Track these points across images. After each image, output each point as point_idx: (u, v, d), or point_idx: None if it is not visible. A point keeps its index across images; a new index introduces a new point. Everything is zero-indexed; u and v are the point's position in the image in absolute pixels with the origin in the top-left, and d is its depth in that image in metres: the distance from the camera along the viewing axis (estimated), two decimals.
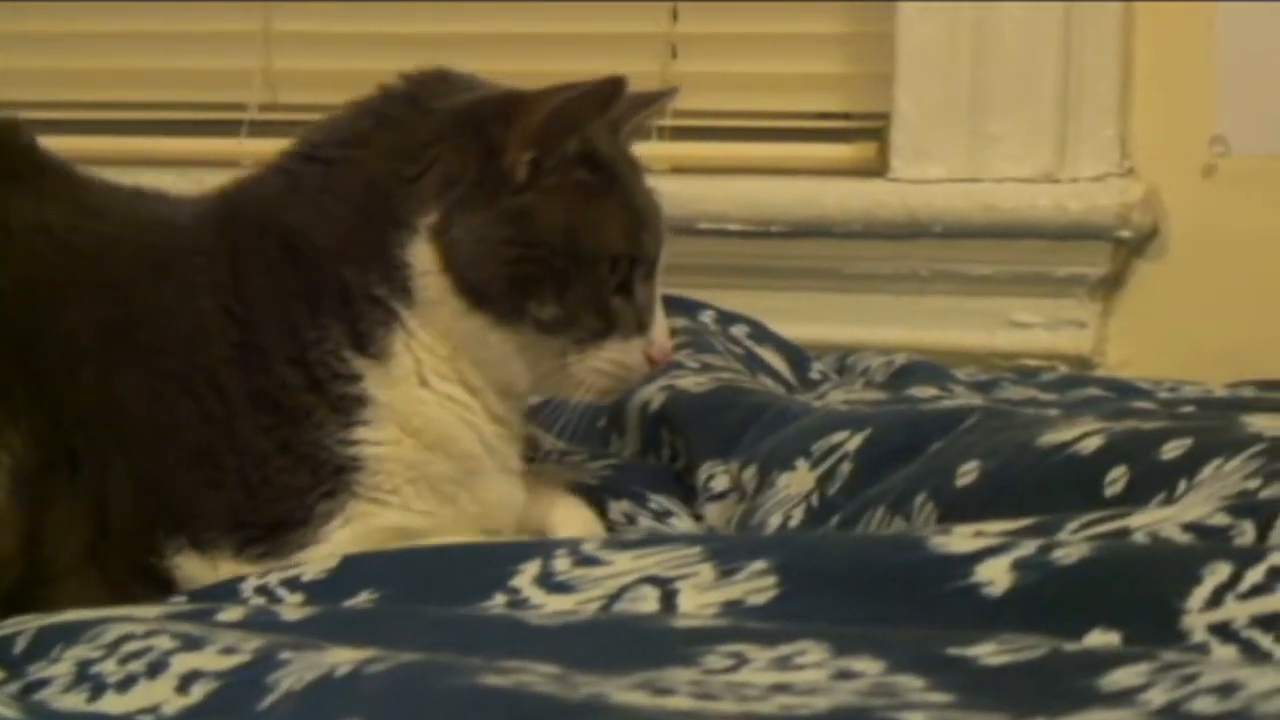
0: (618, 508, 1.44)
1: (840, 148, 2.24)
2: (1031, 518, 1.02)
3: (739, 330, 1.88)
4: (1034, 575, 0.85)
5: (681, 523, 1.44)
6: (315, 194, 1.24)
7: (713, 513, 1.44)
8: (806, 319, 2.07)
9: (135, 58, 2.50)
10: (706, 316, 1.88)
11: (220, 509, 1.18)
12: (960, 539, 0.90)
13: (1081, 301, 2.09)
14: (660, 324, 1.27)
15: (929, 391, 1.69)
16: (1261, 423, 1.16)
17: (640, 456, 1.58)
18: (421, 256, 1.21)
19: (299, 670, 0.82)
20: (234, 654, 0.86)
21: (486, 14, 2.38)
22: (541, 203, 1.21)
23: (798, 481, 1.34)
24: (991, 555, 0.87)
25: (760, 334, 1.89)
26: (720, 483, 1.45)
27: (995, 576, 0.86)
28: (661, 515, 1.45)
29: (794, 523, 1.32)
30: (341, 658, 0.81)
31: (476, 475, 1.25)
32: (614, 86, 1.20)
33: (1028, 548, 0.87)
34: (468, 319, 1.21)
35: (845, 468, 1.32)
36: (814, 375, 1.86)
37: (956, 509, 1.15)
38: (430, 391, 1.22)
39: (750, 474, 1.40)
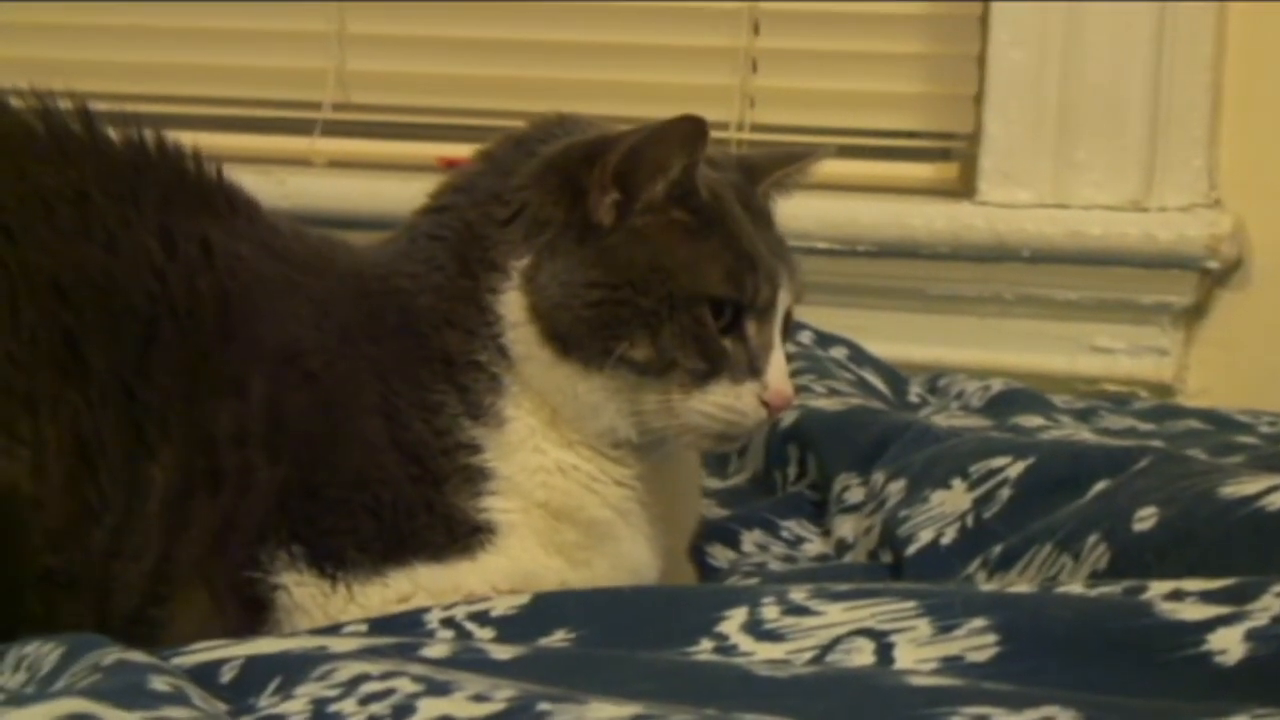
0: (750, 538, 1.47)
1: (923, 167, 2.26)
2: (1218, 572, 1.03)
3: (838, 352, 1.89)
4: (1270, 647, 0.87)
5: (815, 547, 1.46)
6: (427, 242, 1.26)
7: (844, 524, 1.46)
8: (890, 338, 2.09)
9: (212, 54, 2.51)
10: (805, 337, 1.89)
11: (363, 537, 1.20)
12: (1189, 607, 0.92)
13: (1164, 329, 2.11)
14: (777, 368, 1.23)
15: (1034, 420, 1.71)
16: None
17: (764, 475, 1.60)
18: (512, 306, 1.22)
19: None
20: (486, 701, 0.87)
21: (563, 21, 2.39)
22: (628, 243, 1.20)
23: (952, 500, 1.36)
24: (1223, 624, 0.89)
25: (859, 356, 1.91)
26: (856, 495, 1.47)
27: (1228, 645, 0.88)
28: (794, 543, 1.47)
29: (946, 540, 1.34)
30: (606, 713, 0.83)
31: (609, 540, 1.24)
32: (691, 125, 1.18)
33: (1260, 618, 0.89)
34: (556, 369, 1.21)
35: (1004, 493, 1.34)
36: (911, 398, 1.87)
37: (1131, 555, 1.15)
38: (548, 458, 1.22)
39: (898, 486, 1.41)
